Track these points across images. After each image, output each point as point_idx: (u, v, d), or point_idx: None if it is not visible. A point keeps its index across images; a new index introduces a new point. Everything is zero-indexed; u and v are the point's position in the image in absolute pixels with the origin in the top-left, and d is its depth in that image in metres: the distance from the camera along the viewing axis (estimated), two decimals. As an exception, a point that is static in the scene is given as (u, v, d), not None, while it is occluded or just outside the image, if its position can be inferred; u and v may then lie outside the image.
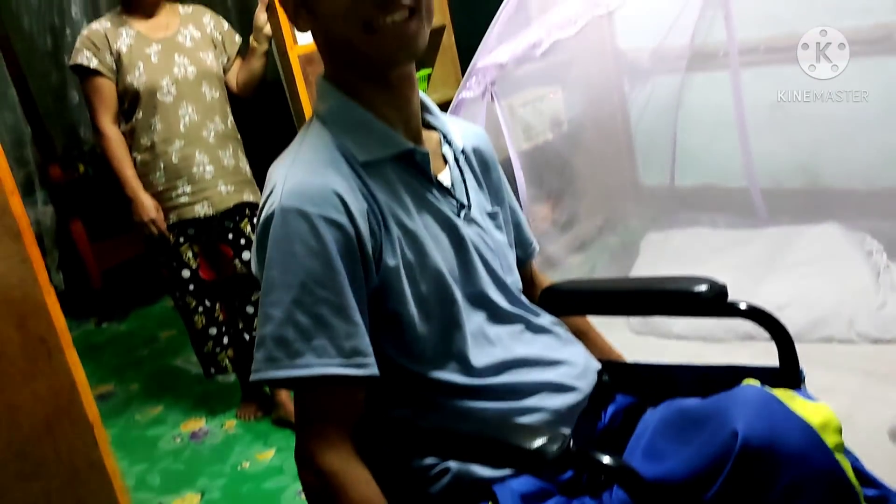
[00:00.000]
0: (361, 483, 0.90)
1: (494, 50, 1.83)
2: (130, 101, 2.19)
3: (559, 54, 2.79)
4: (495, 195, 1.16)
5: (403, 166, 1.00)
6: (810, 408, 0.91)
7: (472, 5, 2.89)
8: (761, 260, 2.33)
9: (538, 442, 0.83)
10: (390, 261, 0.94)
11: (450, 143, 1.09)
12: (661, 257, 2.45)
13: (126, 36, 2.17)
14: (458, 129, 1.13)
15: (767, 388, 0.95)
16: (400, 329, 0.97)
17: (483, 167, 1.15)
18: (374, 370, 0.92)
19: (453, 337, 1.00)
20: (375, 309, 0.95)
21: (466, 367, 1.00)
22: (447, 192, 1.04)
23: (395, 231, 0.95)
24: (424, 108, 1.08)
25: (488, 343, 1.03)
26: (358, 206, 0.91)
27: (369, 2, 0.90)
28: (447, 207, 1.02)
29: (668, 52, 2.85)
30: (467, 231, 1.04)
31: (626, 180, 3.20)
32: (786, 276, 2.22)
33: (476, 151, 1.14)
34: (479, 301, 1.04)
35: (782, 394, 0.93)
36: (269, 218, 0.90)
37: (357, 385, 0.93)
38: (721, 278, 2.17)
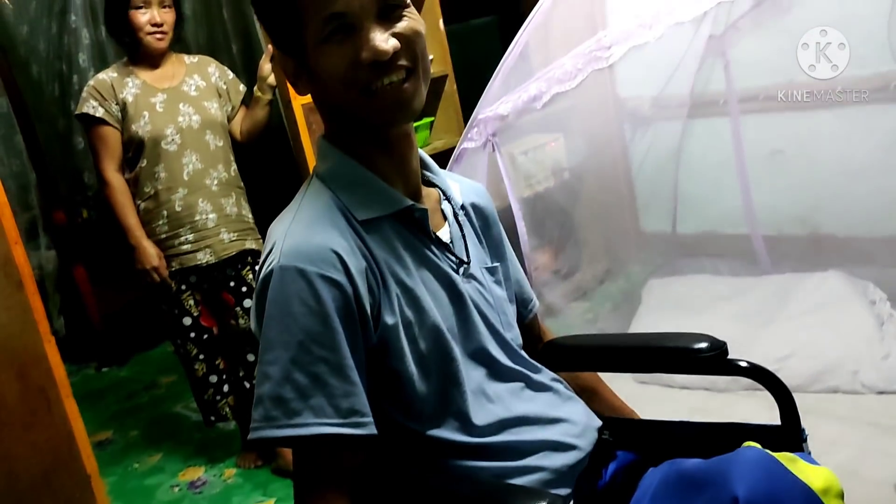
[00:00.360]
0: None
1: (496, 102, 1.85)
2: (135, 150, 2.21)
3: (560, 103, 2.83)
4: (495, 250, 1.17)
5: (402, 223, 1.00)
6: (812, 472, 0.91)
7: (473, 54, 2.93)
8: (763, 308, 2.32)
9: None
10: (389, 319, 0.94)
11: (449, 200, 1.10)
12: (664, 305, 2.44)
13: (132, 86, 2.20)
14: (458, 185, 1.14)
15: (769, 452, 0.94)
16: (400, 387, 0.96)
17: (483, 222, 1.16)
18: (371, 430, 0.91)
19: (453, 395, 0.99)
20: (375, 367, 0.95)
21: (466, 426, 1.00)
22: (446, 248, 1.04)
23: (394, 289, 0.96)
24: (423, 165, 1.09)
25: (488, 401, 1.03)
26: (356, 265, 0.92)
27: (366, 66, 0.91)
28: (446, 264, 1.03)
29: (668, 100, 2.88)
30: (466, 287, 1.04)
31: (627, 227, 3.21)
32: (788, 326, 2.21)
33: (475, 207, 1.15)
34: (480, 357, 1.04)
35: (784, 457, 0.93)
36: (268, 276, 0.91)
37: (355, 445, 0.92)
38: (723, 327, 2.17)
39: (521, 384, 1.08)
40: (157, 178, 2.21)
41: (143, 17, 2.18)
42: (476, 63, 2.92)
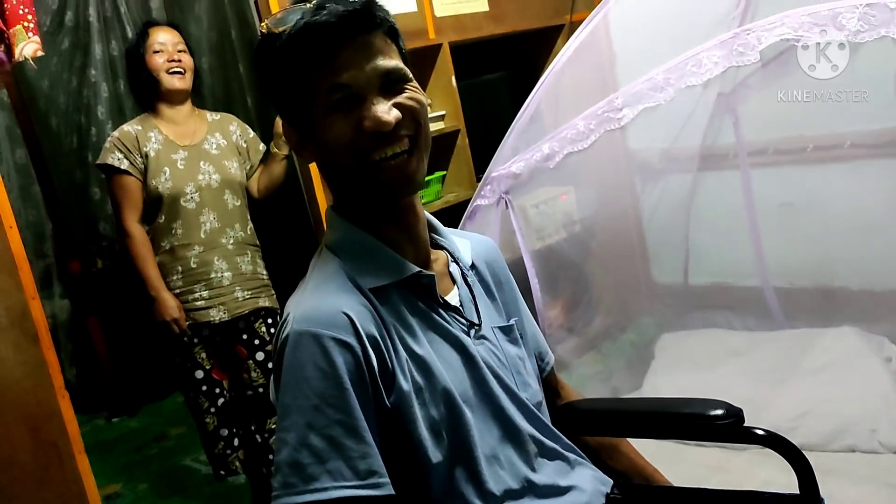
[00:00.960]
0: None
1: (509, 160, 1.88)
2: (153, 204, 2.23)
3: (571, 156, 2.86)
4: (508, 307, 1.16)
5: (410, 290, 1.01)
6: None
7: (484, 109, 2.98)
8: (778, 364, 2.30)
9: None
10: (404, 385, 0.94)
11: (457, 262, 1.11)
12: (677, 361, 2.43)
13: (155, 140, 2.24)
14: (467, 243, 1.15)
15: None
16: (414, 456, 0.95)
17: (496, 280, 1.16)
18: (390, 490, 0.90)
19: (465, 461, 0.98)
20: (389, 435, 0.94)
21: (479, 492, 0.98)
22: (456, 311, 1.05)
23: (404, 355, 0.96)
24: (431, 228, 1.11)
25: (500, 467, 1.02)
26: (367, 330, 0.92)
27: (369, 135, 0.94)
28: (457, 327, 1.03)
29: (678, 153, 2.91)
30: (478, 349, 1.04)
31: (639, 278, 3.21)
32: (804, 383, 2.20)
33: (488, 265, 1.16)
34: (494, 420, 1.03)
35: None
36: (283, 343, 0.92)
37: None
38: (738, 384, 2.16)
39: (535, 449, 1.07)
40: (174, 234, 2.23)
41: (159, 59, 2.24)
42: (487, 117, 2.96)
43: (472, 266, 1.12)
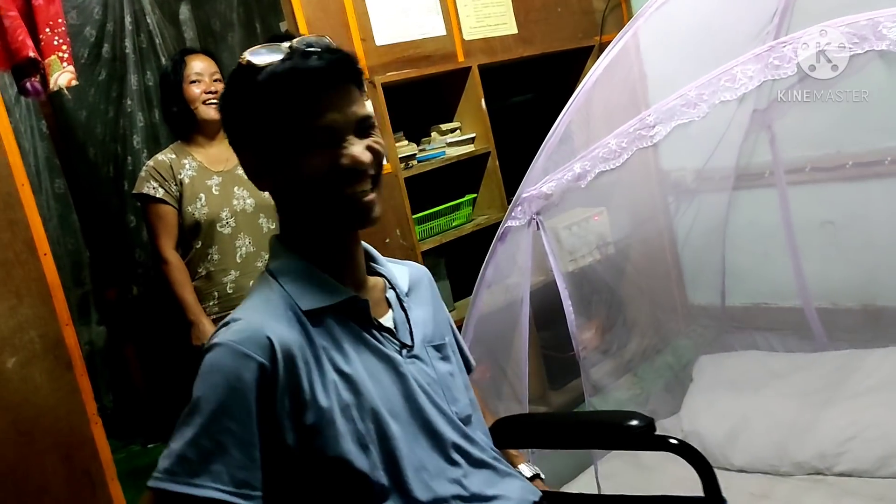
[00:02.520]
0: None
1: (539, 181, 1.85)
2: (190, 231, 2.25)
3: (603, 176, 2.82)
4: (440, 328, 1.24)
5: (345, 313, 1.08)
6: None
7: (514, 131, 2.96)
8: (822, 387, 2.23)
9: None
10: (324, 402, 1.00)
11: (394, 288, 1.19)
12: (717, 384, 2.37)
13: (189, 167, 2.26)
14: (405, 272, 1.24)
15: None
16: (340, 467, 1.01)
17: (430, 302, 1.25)
18: (258, 503, 0.97)
19: (392, 471, 1.05)
20: (311, 448, 1.00)
21: (406, 500, 1.05)
22: (390, 332, 1.13)
23: (331, 374, 1.03)
24: (369, 257, 1.20)
25: (428, 477, 1.08)
26: (287, 352, 0.99)
27: (344, 172, 1.04)
28: (389, 347, 1.11)
29: (712, 172, 2.86)
30: (409, 368, 1.11)
31: (675, 300, 3.15)
32: (849, 406, 2.12)
33: (423, 289, 1.25)
34: (423, 434, 1.10)
35: None
36: (208, 349, 1.00)
37: None
38: (782, 407, 2.08)
39: (463, 460, 1.13)
40: (211, 260, 2.24)
41: (196, 89, 2.26)
42: (517, 139, 2.95)
43: (409, 293, 1.21)
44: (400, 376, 1.09)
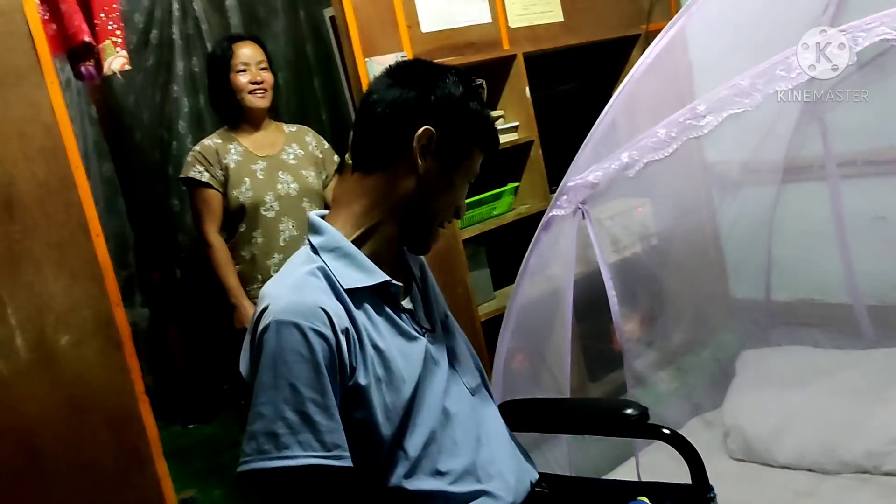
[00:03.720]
0: None
1: (585, 170, 1.83)
2: (234, 214, 2.28)
3: (647, 167, 2.79)
4: (440, 307, 1.35)
5: (379, 295, 1.18)
6: None
7: (558, 120, 2.94)
8: (870, 385, 2.18)
9: None
10: (361, 376, 1.09)
11: (413, 274, 1.30)
12: (761, 379, 2.33)
13: (234, 152, 2.29)
14: (414, 257, 1.34)
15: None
16: (366, 432, 1.11)
17: (431, 285, 1.36)
18: (349, 462, 1.07)
19: (408, 441, 1.14)
20: (345, 414, 1.08)
21: (413, 469, 1.14)
22: (412, 315, 1.24)
23: (369, 350, 1.12)
24: None
25: (438, 450, 1.17)
26: (340, 324, 1.07)
27: (453, 212, 1.24)
28: (412, 328, 1.21)
29: (760, 164, 2.81)
30: (430, 347, 1.22)
31: (717, 294, 3.10)
32: (900, 405, 2.07)
33: (425, 268, 1.37)
34: (439, 409, 1.19)
35: None
36: (265, 330, 1.05)
37: (336, 476, 1.06)
38: (830, 404, 2.05)
39: (475, 432, 1.23)
40: (255, 244, 2.27)
41: (243, 78, 2.28)
42: (561, 129, 2.92)
43: (422, 277, 1.33)
44: (423, 354, 1.19)
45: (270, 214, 2.27)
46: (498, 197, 2.74)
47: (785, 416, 2.10)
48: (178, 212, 3.67)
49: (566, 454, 2.01)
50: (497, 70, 2.77)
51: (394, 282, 1.19)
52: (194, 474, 3.07)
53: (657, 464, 2.07)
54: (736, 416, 2.19)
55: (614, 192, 2.49)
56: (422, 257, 1.36)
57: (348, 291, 1.13)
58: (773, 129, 2.68)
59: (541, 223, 1.95)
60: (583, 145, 1.91)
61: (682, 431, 2.29)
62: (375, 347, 1.13)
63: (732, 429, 2.17)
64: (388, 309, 1.18)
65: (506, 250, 2.69)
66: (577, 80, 3.13)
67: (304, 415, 1.03)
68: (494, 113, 2.79)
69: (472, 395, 1.27)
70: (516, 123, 2.77)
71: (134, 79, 3.50)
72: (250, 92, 2.29)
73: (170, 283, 3.70)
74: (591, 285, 2.09)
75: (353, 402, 1.10)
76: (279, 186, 2.29)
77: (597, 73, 3.21)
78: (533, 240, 1.96)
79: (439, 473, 1.16)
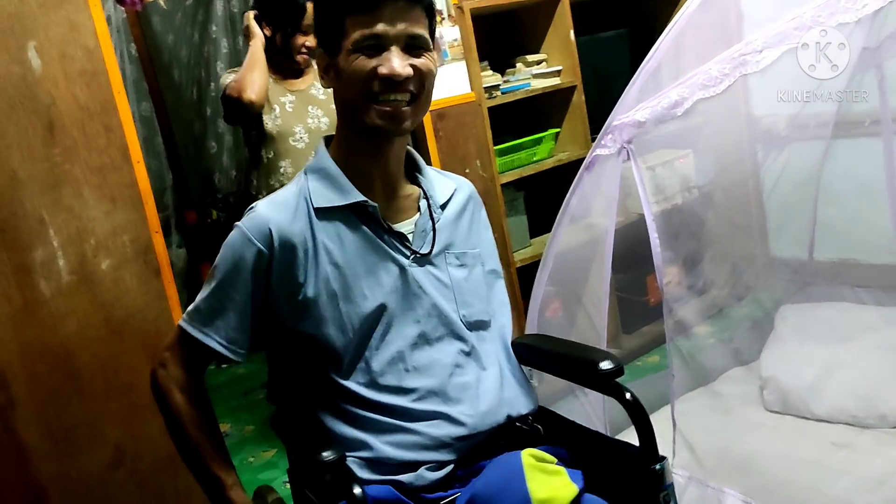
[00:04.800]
0: (177, 396, 1.23)
1: (632, 108, 1.78)
2: (264, 142, 2.29)
3: (692, 118, 2.71)
4: (471, 240, 1.33)
5: (357, 215, 1.22)
6: (553, 482, 1.09)
7: (602, 66, 2.87)
8: (914, 342, 2.12)
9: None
10: (310, 287, 1.18)
11: (428, 199, 1.28)
12: (801, 332, 2.27)
13: (269, 81, 2.29)
14: (449, 185, 1.33)
15: (528, 455, 1.13)
16: (320, 346, 1.19)
17: (469, 216, 1.34)
18: (242, 359, 1.22)
19: (368, 356, 1.20)
20: (300, 325, 1.19)
21: (373, 383, 1.19)
22: (402, 238, 1.24)
23: (326, 266, 1.18)
24: (414, 165, 1.31)
25: (405, 369, 1.21)
26: (287, 241, 1.17)
27: (380, 79, 1.14)
28: (396, 250, 1.23)
29: (809, 119, 2.71)
30: (415, 271, 1.23)
31: (756, 252, 3.04)
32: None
33: (463, 204, 1.34)
34: (414, 331, 1.22)
35: (546, 468, 1.12)
36: (232, 228, 1.21)
37: (225, 361, 1.24)
38: (873, 359, 1.99)
39: (452, 361, 1.23)
40: (283, 173, 2.29)
41: (300, 40, 2.31)
42: (604, 75, 2.86)
43: (447, 204, 1.30)
44: (402, 277, 1.22)
45: (300, 146, 2.29)
46: (538, 142, 2.69)
47: (823, 369, 2.06)
48: (214, 154, 3.68)
49: (601, 408, 2.00)
50: (541, 13, 2.71)
51: (370, 202, 1.21)
52: (227, 410, 3.12)
53: (692, 410, 2.05)
54: (773, 368, 2.15)
55: (657, 141, 2.44)
56: (470, 193, 1.36)
57: (318, 210, 1.19)
58: (826, 79, 2.59)
59: (584, 163, 1.90)
60: (629, 84, 1.85)
61: (718, 382, 2.30)
62: (335, 264, 1.19)
63: (769, 381, 2.13)
64: (366, 228, 1.21)
65: (544, 197, 2.66)
66: (623, 26, 3.05)
67: (223, 307, 1.19)
68: (537, 56, 2.72)
69: (471, 329, 1.27)
70: (559, 68, 2.71)
71: (173, 18, 3.49)
72: (299, 52, 2.32)
73: (206, 224, 3.72)
74: (628, 236, 2.05)
75: (302, 315, 1.19)
76: (309, 120, 2.32)
77: (643, 19, 3.12)
78: (575, 180, 1.92)
79: (403, 391, 1.20)
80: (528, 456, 1.13)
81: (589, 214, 2.04)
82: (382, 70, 1.13)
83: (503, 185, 2.55)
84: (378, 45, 1.14)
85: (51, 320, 1.77)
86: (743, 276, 2.81)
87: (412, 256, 1.24)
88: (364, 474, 1.17)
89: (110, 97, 1.83)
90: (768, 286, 2.86)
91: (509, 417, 1.25)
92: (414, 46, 1.16)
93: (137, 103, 3.55)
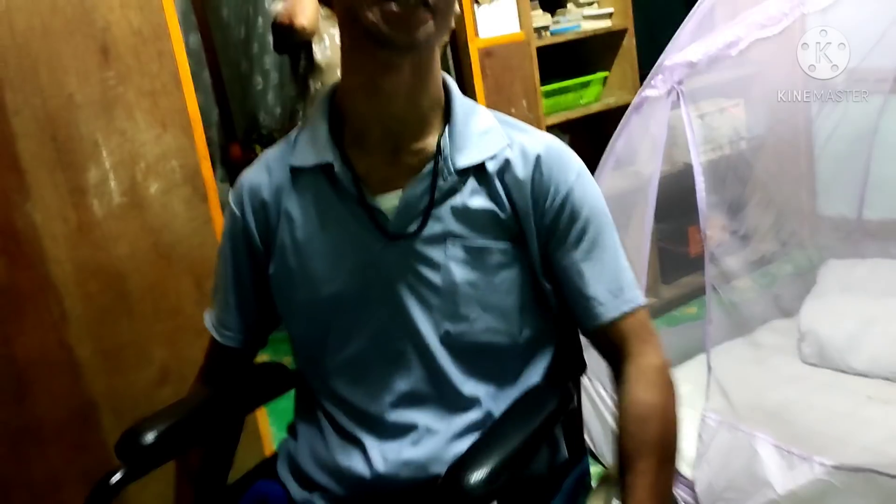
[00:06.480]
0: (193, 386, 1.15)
1: (685, 48, 1.75)
2: (312, 72, 2.28)
3: (744, 67, 2.65)
4: (507, 229, 0.96)
5: (328, 178, 0.97)
6: None
7: (654, 12, 2.81)
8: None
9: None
10: (271, 265, 1.02)
11: (438, 159, 0.94)
12: (844, 287, 2.25)
13: (320, 13, 2.27)
14: (494, 141, 0.96)
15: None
16: (289, 331, 1.07)
17: (529, 195, 0.95)
18: (230, 343, 1.09)
19: (320, 350, 1.02)
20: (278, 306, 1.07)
21: (324, 380, 1.03)
22: (378, 213, 0.95)
23: (285, 239, 0.99)
24: (447, 110, 0.97)
25: (360, 374, 0.99)
26: (257, 204, 1.01)
27: None
28: (367, 229, 0.95)
29: (868, 73, 2.63)
30: (390, 259, 0.95)
31: (803, 209, 2.98)
32: None
33: (535, 170, 0.95)
34: (371, 330, 0.97)
35: None
36: None
37: (220, 345, 1.11)
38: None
39: (407, 380, 0.97)
40: None
41: None
42: (656, 20, 2.79)
43: (467, 171, 0.94)
44: (369, 263, 0.95)
45: None
46: (585, 85, 2.66)
47: (863, 323, 2.04)
48: (260, 90, 3.69)
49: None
50: (595, -48, 2.64)
51: (337, 163, 0.95)
52: (269, 341, 3.18)
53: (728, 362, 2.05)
54: (812, 321, 2.14)
55: (708, 90, 2.39)
56: (542, 162, 0.96)
57: (293, 171, 0.99)
58: (889, 32, 2.50)
59: (632, 104, 1.88)
60: (682, 24, 1.81)
61: (757, 332, 2.29)
62: (293, 237, 0.98)
63: (808, 333, 2.12)
64: (336, 198, 0.96)
65: (589, 141, 2.63)
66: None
67: (217, 286, 1.10)
68: (587, -2, 2.67)
69: (454, 353, 0.96)
70: (610, 10, 2.65)
71: (223, -50, 3.48)
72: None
73: (250, 160, 3.75)
74: (672, 186, 2.02)
75: (274, 290, 1.04)
76: None
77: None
78: (622, 122, 1.90)
79: (343, 402, 1.00)
80: None
81: (634, 161, 2.02)
82: None
83: (548, 128, 2.53)
84: None
85: (103, 241, 1.82)
86: (789, 230, 2.77)
87: (388, 238, 0.95)
88: (283, 472, 1.08)
89: (163, 23, 1.85)
90: (814, 240, 2.82)
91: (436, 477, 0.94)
92: None
93: (186, 36, 3.56)
